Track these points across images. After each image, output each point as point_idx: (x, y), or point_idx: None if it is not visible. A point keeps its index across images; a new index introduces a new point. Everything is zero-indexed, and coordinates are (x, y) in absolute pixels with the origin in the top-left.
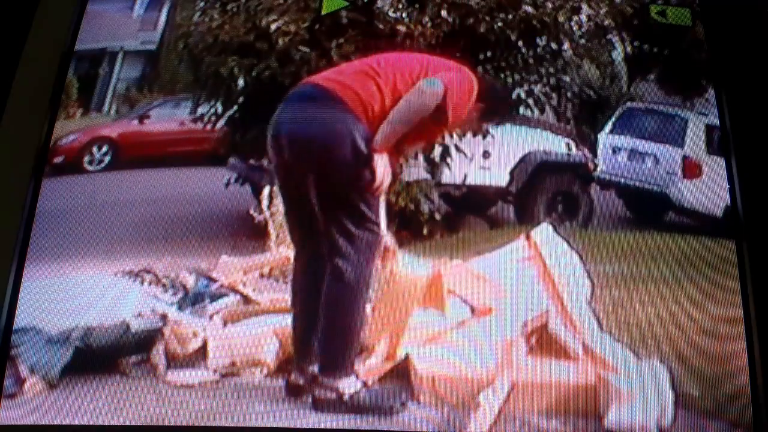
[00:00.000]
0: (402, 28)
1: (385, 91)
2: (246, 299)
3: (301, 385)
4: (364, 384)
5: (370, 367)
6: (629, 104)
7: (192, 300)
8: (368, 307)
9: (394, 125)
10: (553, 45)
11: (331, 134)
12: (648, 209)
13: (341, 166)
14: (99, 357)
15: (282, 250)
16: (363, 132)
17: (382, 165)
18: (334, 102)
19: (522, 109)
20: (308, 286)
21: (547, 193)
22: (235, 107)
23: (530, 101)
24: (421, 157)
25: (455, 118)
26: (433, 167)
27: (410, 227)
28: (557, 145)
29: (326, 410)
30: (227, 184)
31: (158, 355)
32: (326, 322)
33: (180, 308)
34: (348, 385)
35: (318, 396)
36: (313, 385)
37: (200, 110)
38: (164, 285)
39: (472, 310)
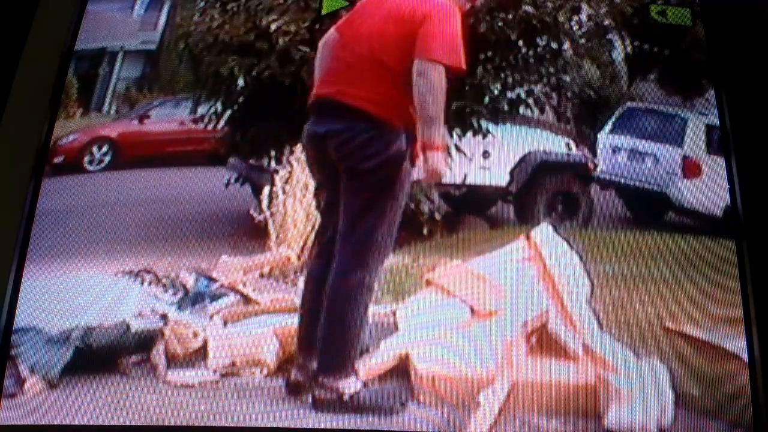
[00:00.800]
0: None
1: (390, 78)
2: (246, 299)
3: (301, 383)
4: (364, 384)
5: (371, 366)
6: (629, 104)
7: (192, 300)
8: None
9: (431, 122)
10: (554, 45)
11: (369, 141)
12: (648, 209)
13: (377, 167)
14: (99, 357)
15: (282, 250)
16: (392, 133)
17: (435, 161)
18: (355, 113)
19: (522, 109)
20: (319, 288)
21: (547, 193)
22: (235, 107)
23: (530, 101)
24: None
25: (461, 52)
26: None
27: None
28: (557, 145)
29: (326, 410)
30: (227, 184)
31: (158, 355)
32: (328, 323)
33: (180, 308)
34: (348, 386)
35: (318, 396)
36: (313, 385)
37: (200, 110)
38: (164, 285)
39: (472, 310)
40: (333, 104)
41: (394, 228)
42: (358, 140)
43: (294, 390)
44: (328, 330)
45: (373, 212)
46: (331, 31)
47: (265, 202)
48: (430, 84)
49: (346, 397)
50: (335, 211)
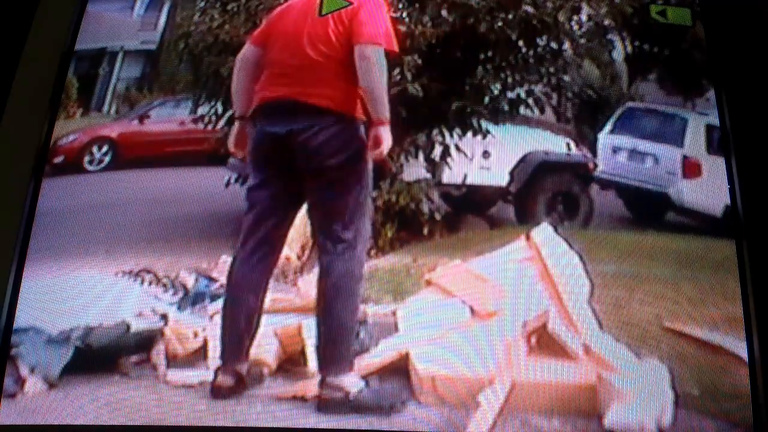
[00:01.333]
0: (402, 28)
1: (343, 72)
2: None
3: (228, 386)
4: (366, 383)
5: (370, 364)
6: (629, 104)
7: (192, 300)
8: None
9: (378, 99)
10: (554, 45)
11: (334, 136)
12: (648, 209)
13: (345, 161)
14: (99, 357)
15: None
16: (353, 125)
17: (386, 133)
18: (317, 111)
19: (522, 109)
20: (253, 289)
21: (547, 193)
22: None
23: (530, 101)
24: (421, 157)
25: (393, 36)
26: (433, 167)
27: (410, 227)
28: (557, 145)
29: (332, 411)
30: (227, 184)
31: (158, 355)
32: (325, 320)
33: (180, 308)
34: (352, 383)
35: (324, 396)
36: (318, 386)
37: (200, 110)
38: (164, 285)
39: (472, 311)
40: (292, 105)
41: (369, 215)
42: (324, 136)
43: (218, 393)
44: (326, 328)
45: (348, 206)
46: (248, 47)
47: None
48: (372, 64)
49: (351, 396)
50: (277, 209)
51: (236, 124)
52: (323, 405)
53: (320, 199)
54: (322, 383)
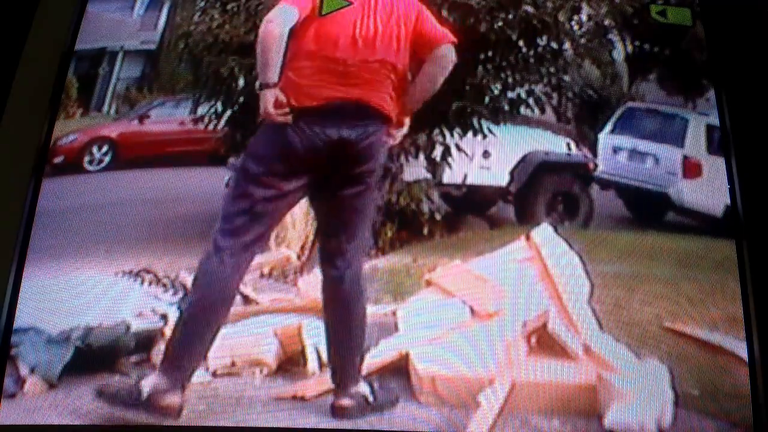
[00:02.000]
0: None
1: (397, 80)
2: (246, 299)
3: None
4: (370, 384)
5: (370, 364)
6: (630, 104)
7: None
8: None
9: (424, 93)
10: (554, 44)
11: (385, 142)
12: (648, 209)
13: (381, 165)
14: (99, 357)
15: (282, 250)
16: (386, 129)
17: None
18: (380, 117)
19: (522, 109)
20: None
21: (547, 193)
22: (236, 107)
23: (531, 101)
24: (421, 157)
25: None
26: (433, 167)
27: (410, 227)
28: (557, 145)
29: (352, 417)
30: (227, 184)
31: (158, 355)
32: (343, 327)
33: (180, 308)
34: (365, 389)
35: (343, 404)
36: (339, 396)
37: (200, 110)
38: (164, 285)
39: (472, 311)
40: (363, 107)
41: None
42: (381, 142)
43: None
44: (344, 335)
45: (372, 210)
46: (290, 9)
47: None
48: (449, 61)
49: (370, 399)
50: (285, 214)
51: (268, 92)
52: (341, 412)
53: (353, 203)
54: (344, 393)
